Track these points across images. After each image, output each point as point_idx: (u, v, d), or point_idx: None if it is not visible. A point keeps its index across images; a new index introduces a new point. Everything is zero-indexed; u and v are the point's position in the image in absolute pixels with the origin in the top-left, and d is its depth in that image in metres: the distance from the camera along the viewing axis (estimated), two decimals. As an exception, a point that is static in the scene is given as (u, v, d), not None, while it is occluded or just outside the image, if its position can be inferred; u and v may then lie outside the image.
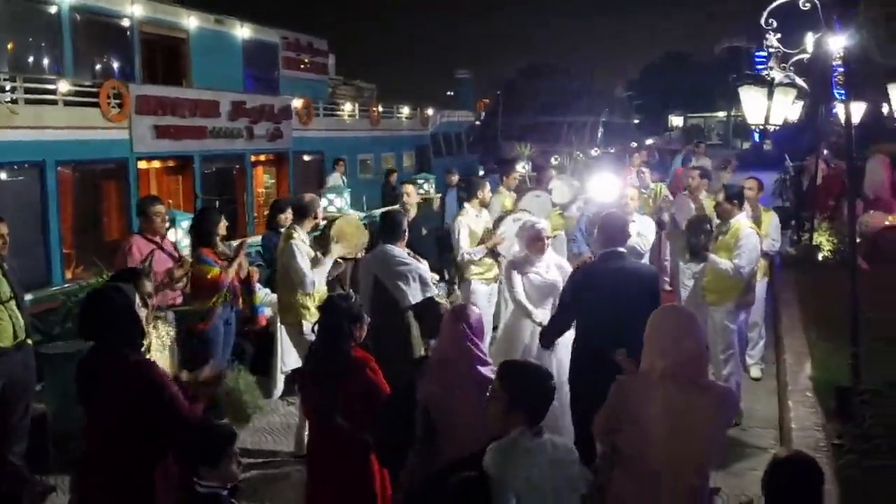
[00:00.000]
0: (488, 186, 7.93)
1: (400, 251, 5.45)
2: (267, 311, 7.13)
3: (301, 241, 5.92)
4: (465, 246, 7.17)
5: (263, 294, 7.35)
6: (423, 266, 5.52)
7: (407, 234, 5.65)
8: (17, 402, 5.19)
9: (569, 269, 5.61)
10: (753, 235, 6.14)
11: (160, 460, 3.39)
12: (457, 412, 3.55)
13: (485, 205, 7.72)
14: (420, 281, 5.34)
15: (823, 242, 11.06)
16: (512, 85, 44.84)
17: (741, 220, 6.20)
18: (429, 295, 5.37)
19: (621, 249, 4.74)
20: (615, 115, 44.61)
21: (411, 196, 8.08)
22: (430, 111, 28.52)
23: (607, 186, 8.16)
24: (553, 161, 21.01)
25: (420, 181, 13.79)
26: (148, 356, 3.98)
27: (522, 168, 14.52)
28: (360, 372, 3.77)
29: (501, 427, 3.01)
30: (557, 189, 9.32)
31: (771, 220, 7.52)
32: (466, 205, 7.64)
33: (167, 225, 7.49)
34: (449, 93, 45.11)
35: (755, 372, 7.27)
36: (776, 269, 8.52)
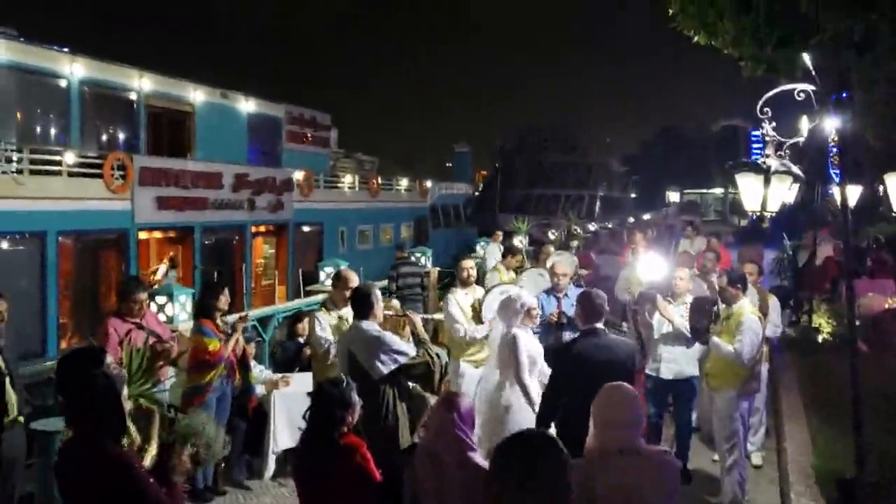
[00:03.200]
0: (471, 263, 7.76)
1: (370, 324, 5.36)
2: (260, 389, 7.03)
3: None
4: (464, 322, 7.03)
5: (258, 371, 7.26)
6: (395, 337, 5.42)
7: (379, 304, 5.51)
8: (5, 481, 5.10)
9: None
10: (756, 322, 6.09)
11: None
12: (446, 499, 3.53)
13: (468, 283, 7.55)
14: (392, 351, 5.26)
15: (823, 324, 11.02)
16: (510, 157, 45.51)
17: (744, 305, 6.18)
18: (402, 362, 5.28)
19: (600, 326, 4.96)
20: (613, 190, 45.13)
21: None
22: (428, 183, 28.87)
23: (655, 266, 8.11)
24: (551, 235, 21.15)
25: (418, 254, 13.88)
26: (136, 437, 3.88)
27: (520, 243, 14.56)
28: (351, 459, 3.71)
29: None
30: (557, 264, 9.28)
31: (772, 303, 7.49)
32: (455, 289, 7.47)
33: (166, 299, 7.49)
34: (448, 164, 45.77)
35: (756, 459, 7.12)
36: (776, 352, 8.45)
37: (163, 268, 14.58)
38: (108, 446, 3.26)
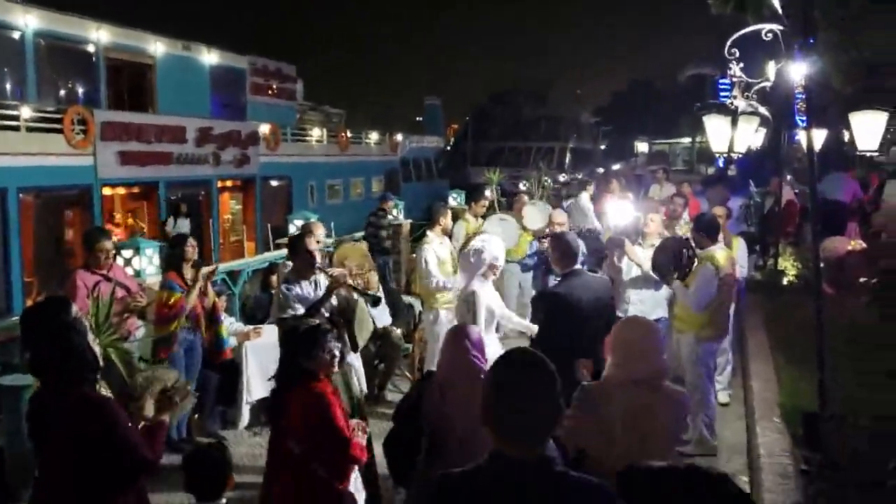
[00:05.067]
0: (449, 214, 7.84)
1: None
2: (232, 341, 7.00)
3: None
4: (438, 274, 7.06)
5: (229, 323, 7.22)
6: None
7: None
8: None
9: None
10: (709, 270, 6.07)
11: (118, 499, 3.28)
12: (462, 425, 3.62)
13: (447, 232, 7.63)
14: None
15: (788, 267, 11.20)
16: (481, 111, 45.19)
17: (714, 251, 6.19)
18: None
19: (578, 266, 5.12)
20: (583, 142, 45.13)
21: None
22: (399, 137, 28.59)
23: (623, 210, 8.17)
24: (522, 186, 21.14)
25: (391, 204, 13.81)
26: (101, 391, 3.86)
27: (491, 193, 14.54)
28: (314, 402, 3.76)
29: None
30: (531, 215, 9.30)
31: (739, 246, 7.57)
32: (429, 233, 7.51)
33: (132, 253, 7.39)
34: (418, 119, 45.35)
35: (723, 397, 7.29)
36: (742, 295, 8.59)
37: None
38: (76, 389, 3.23)
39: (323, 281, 5.86)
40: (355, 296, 5.84)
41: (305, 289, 5.78)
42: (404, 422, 3.80)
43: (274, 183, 19.41)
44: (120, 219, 14.97)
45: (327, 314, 5.52)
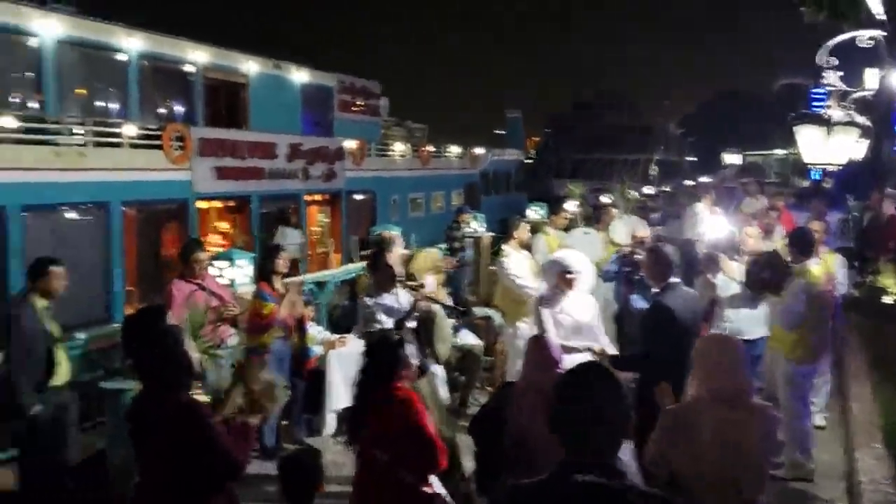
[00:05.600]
0: (527, 227, 7.82)
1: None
2: (318, 350, 7.18)
3: None
4: (521, 278, 7.00)
5: (316, 332, 7.42)
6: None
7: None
8: (68, 434, 5.37)
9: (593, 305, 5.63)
10: (800, 286, 5.79)
11: (211, 501, 3.41)
12: (540, 435, 3.61)
13: (524, 245, 7.61)
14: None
15: (889, 285, 10.65)
16: (562, 122, 44.86)
17: (808, 267, 5.94)
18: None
19: (674, 280, 5.02)
20: (669, 153, 44.16)
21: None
22: (479, 150, 28.70)
23: (717, 224, 8.02)
24: (606, 199, 20.85)
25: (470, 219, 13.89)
26: (198, 397, 4.03)
27: (574, 207, 14.41)
28: (405, 410, 3.79)
29: None
30: (617, 229, 9.15)
31: (836, 262, 7.25)
32: (505, 246, 7.50)
33: (227, 264, 7.69)
34: (499, 131, 45.35)
35: (819, 420, 6.96)
36: (838, 313, 8.22)
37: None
38: (174, 395, 3.40)
39: (403, 293, 5.96)
40: (435, 307, 5.90)
41: (388, 300, 5.90)
42: (484, 432, 3.81)
43: (359, 197, 19.80)
44: (214, 231, 15.57)
45: (410, 326, 5.61)
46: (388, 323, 5.65)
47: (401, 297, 6.01)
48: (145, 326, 3.67)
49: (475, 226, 12.25)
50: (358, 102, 21.65)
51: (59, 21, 12.13)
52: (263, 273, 6.58)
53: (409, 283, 6.14)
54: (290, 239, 14.97)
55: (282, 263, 6.60)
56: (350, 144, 19.09)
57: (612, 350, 5.49)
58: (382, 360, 3.90)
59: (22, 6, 11.71)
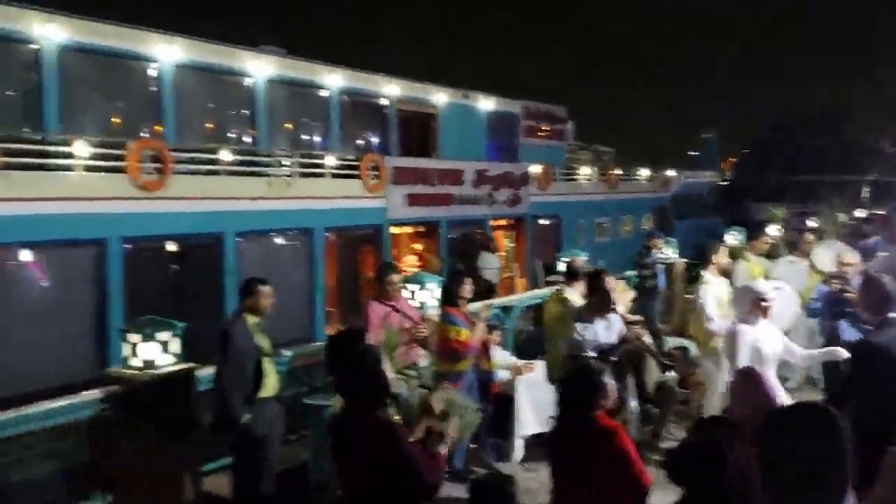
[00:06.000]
0: (726, 252, 7.41)
1: None
2: (504, 375, 7.17)
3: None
4: (717, 317, 6.69)
5: (503, 356, 7.42)
6: None
7: None
8: (274, 444, 5.73)
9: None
10: None
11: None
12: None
13: (723, 271, 7.21)
14: None
15: None
16: (762, 142, 42.27)
17: None
18: None
19: (893, 315, 4.51)
20: (883, 174, 40.19)
21: None
22: (670, 172, 27.73)
23: None
24: (811, 224, 19.33)
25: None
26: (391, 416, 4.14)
27: (776, 231, 13.46)
28: (609, 442, 3.66)
29: None
30: (819, 255, 8.46)
31: None
32: (705, 273, 7.14)
33: (417, 287, 7.93)
34: (692, 153, 43.57)
35: None
36: None
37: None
38: (373, 413, 3.53)
39: (616, 319, 5.82)
40: (647, 340, 5.70)
41: (599, 326, 5.80)
42: (698, 469, 3.56)
43: (544, 221, 19.81)
44: (406, 254, 16.23)
45: (615, 358, 5.47)
46: (591, 351, 5.55)
47: (613, 324, 5.89)
48: (347, 346, 3.85)
49: (667, 251, 11.76)
50: (543, 127, 21.74)
51: (270, 62, 13.28)
52: (449, 298, 6.61)
53: (627, 316, 6.01)
54: (489, 264, 15.27)
55: (467, 289, 6.65)
56: (535, 169, 19.18)
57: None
58: (581, 388, 3.79)
59: (237, 49, 12.93)
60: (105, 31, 10.82)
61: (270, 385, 5.73)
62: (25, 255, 9.61)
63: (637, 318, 6.05)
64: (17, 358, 8.95)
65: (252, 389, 5.57)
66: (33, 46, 10.04)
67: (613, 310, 5.80)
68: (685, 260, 12.14)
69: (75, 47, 10.38)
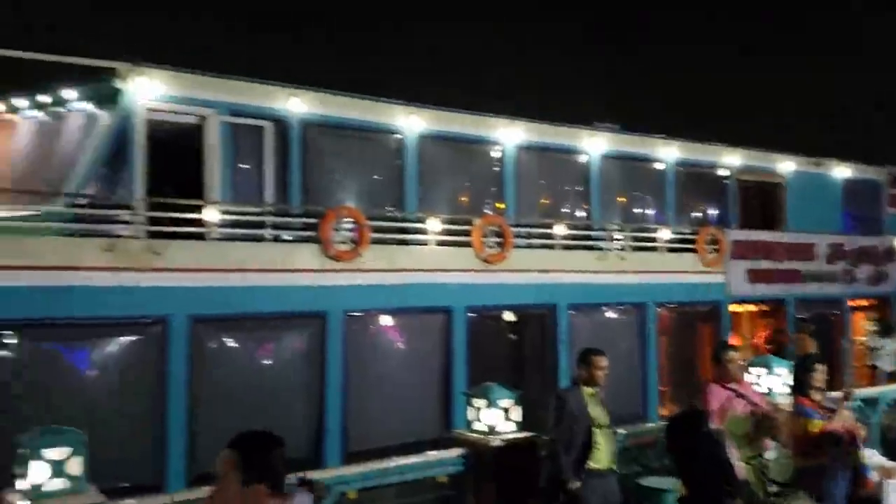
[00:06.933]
0: None
1: None
2: (873, 475, 6.26)
3: None
4: None
5: (868, 454, 6.51)
6: None
7: None
8: None
9: None
10: None
11: None
12: None
13: None
14: None
15: None
16: None
17: None
18: None
19: None
20: None
21: None
22: None
23: None
24: None
25: None
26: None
27: None
28: None
29: None
30: None
31: None
32: None
33: (764, 371, 7.33)
34: None
35: None
36: None
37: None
38: (718, 502, 3.25)
39: None
40: None
41: None
42: None
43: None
44: (747, 334, 15.15)
45: None
46: None
47: None
48: (689, 429, 3.65)
49: None
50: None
51: (604, 138, 13.52)
52: (801, 387, 6.08)
53: None
54: (884, 350, 13.88)
55: (819, 377, 6.08)
56: (903, 243, 16.83)
57: None
58: None
59: (573, 128, 13.35)
60: (456, 119, 11.98)
61: (603, 457, 5.70)
62: (386, 321, 10.78)
63: None
64: (375, 414, 9.98)
65: (582, 457, 5.61)
66: (398, 136, 11.44)
67: None
68: None
69: (432, 135, 11.62)
